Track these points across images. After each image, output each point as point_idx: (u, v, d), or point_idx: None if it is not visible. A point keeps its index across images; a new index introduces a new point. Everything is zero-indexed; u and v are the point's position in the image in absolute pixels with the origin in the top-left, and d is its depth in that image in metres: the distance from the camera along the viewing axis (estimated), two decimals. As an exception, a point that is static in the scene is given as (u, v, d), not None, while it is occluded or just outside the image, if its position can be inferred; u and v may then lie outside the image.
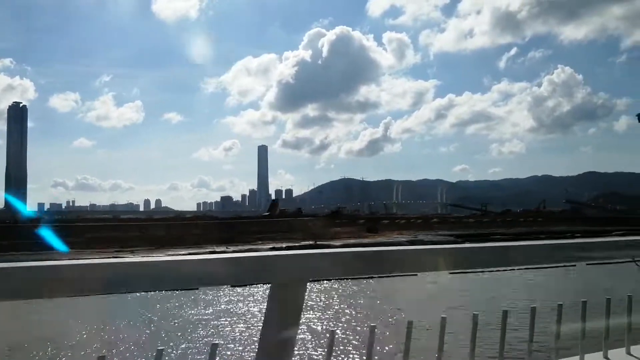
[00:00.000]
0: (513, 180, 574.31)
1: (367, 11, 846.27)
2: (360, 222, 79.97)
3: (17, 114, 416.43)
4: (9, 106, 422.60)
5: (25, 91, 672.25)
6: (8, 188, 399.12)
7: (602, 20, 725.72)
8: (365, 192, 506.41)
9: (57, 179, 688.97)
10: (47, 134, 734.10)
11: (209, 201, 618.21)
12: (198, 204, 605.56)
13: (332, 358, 2.49)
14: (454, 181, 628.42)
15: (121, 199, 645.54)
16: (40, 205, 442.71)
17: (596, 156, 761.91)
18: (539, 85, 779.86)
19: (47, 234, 54.71)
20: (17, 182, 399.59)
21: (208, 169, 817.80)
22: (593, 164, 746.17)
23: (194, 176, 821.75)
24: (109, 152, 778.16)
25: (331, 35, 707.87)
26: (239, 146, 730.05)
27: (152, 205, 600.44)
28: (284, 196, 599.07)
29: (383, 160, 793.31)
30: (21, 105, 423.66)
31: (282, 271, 2.06)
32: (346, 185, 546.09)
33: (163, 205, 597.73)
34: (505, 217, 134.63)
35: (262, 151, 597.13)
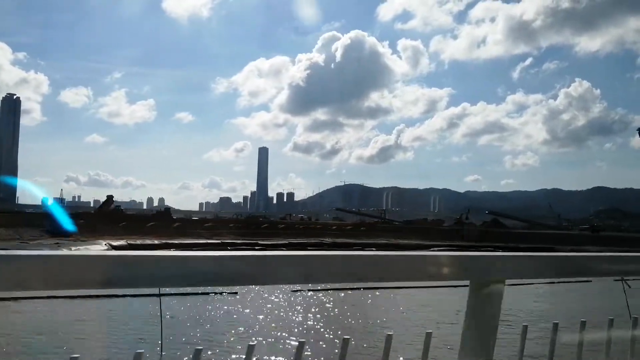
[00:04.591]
0: (522, 193, 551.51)
1: (377, 15, 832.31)
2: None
3: (11, 106, 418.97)
4: (3, 98, 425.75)
5: (39, 85, 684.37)
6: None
7: (619, 32, 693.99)
8: (366, 198, 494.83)
9: (70, 173, 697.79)
10: (60, 129, 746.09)
11: (211, 202, 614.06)
12: (200, 204, 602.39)
13: None
14: (462, 191, 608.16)
15: (133, 196, 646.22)
16: (44, 199, 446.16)
17: (610, 171, 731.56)
18: (555, 97, 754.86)
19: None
20: (8, 173, 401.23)
21: (219, 169, 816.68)
22: (606, 179, 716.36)
23: (205, 176, 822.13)
24: (120, 149, 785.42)
25: (345, 39, 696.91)
26: (250, 148, 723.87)
27: (155, 203, 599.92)
28: (285, 199, 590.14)
29: (394, 168, 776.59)
30: (15, 97, 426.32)
31: None
32: (347, 191, 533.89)
33: (166, 203, 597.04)
34: (411, 226, 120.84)
35: (263, 153, 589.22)
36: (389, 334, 2.31)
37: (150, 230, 61.27)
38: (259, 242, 55.12)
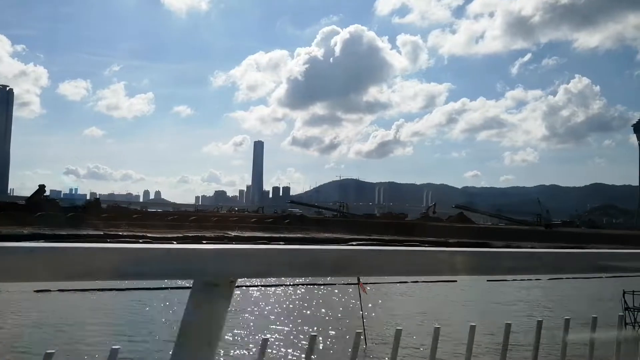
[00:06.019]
0: (520, 189, 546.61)
1: (375, 9, 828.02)
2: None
3: (3, 97, 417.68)
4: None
5: (38, 78, 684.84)
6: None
7: (618, 28, 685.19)
8: (361, 193, 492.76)
9: (70, 166, 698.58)
10: (59, 121, 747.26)
11: (208, 195, 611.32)
12: (197, 197, 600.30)
13: None
14: (460, 187, 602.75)
15: (131, 189, 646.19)
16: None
17: (609, 168, 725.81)
18: (554, 93, 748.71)
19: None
20: (0, 164, 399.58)
21: (218, 163, 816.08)
22: (604, 176, 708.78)
23: (204, 170, 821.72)
24: (119, 142, 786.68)
25: (344, 33, 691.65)
26: (248, 142, 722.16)
27: (152, 196, 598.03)
28: (281, 194, 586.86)
29: (393, 163, 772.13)
30: (7, 89, 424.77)
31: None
32: (343, 186, 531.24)
33: (162, 197, 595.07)
34: (369, 220, 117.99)
35: (259, 147, 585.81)
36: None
37: (36, 220, 58.22)
38: (147, 234, 51.66)
